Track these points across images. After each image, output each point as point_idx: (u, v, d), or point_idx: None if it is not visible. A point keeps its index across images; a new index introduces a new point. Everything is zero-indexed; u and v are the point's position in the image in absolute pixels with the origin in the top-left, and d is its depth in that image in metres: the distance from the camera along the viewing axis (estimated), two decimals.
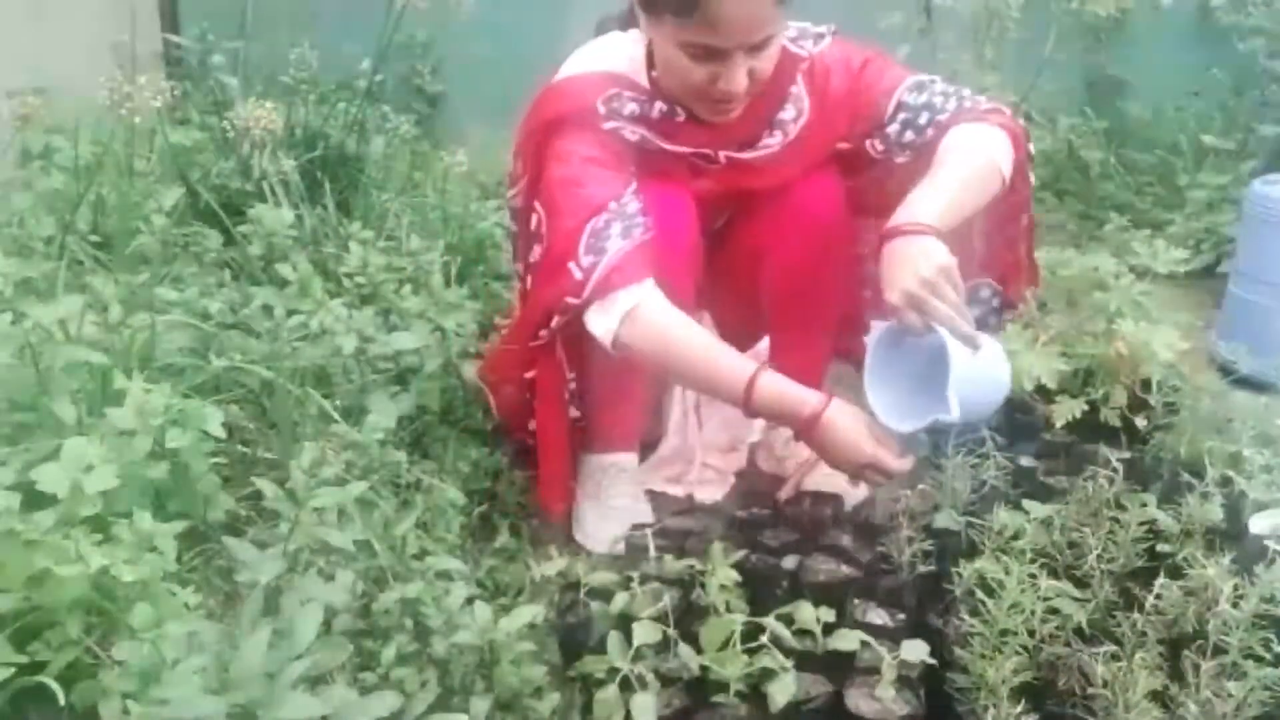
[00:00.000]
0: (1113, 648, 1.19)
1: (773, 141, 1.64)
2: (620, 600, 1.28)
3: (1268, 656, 1.15)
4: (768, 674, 1.19)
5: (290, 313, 1.75)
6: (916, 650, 1.23)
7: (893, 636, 1.26)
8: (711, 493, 1.82)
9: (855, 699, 1.21)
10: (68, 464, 1.20)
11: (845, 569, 1.40)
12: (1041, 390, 1.75)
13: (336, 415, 1.58)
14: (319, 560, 1.21)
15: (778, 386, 1.44)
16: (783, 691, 1.17)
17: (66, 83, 2.27)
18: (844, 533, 1.49)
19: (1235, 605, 1.18)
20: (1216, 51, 3.14)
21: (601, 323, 1.48)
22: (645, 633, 1.22)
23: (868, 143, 1.67)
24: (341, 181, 2.47)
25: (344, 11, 3.17)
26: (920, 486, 1.48)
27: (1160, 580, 1.26)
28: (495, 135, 2.00)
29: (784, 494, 1.69)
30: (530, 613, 1.20)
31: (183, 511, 1.36)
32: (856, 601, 1.35)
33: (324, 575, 1.17)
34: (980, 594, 1.22)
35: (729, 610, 1.25)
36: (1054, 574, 1.28)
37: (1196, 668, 1.15)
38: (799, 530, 1.53)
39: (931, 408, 1.38)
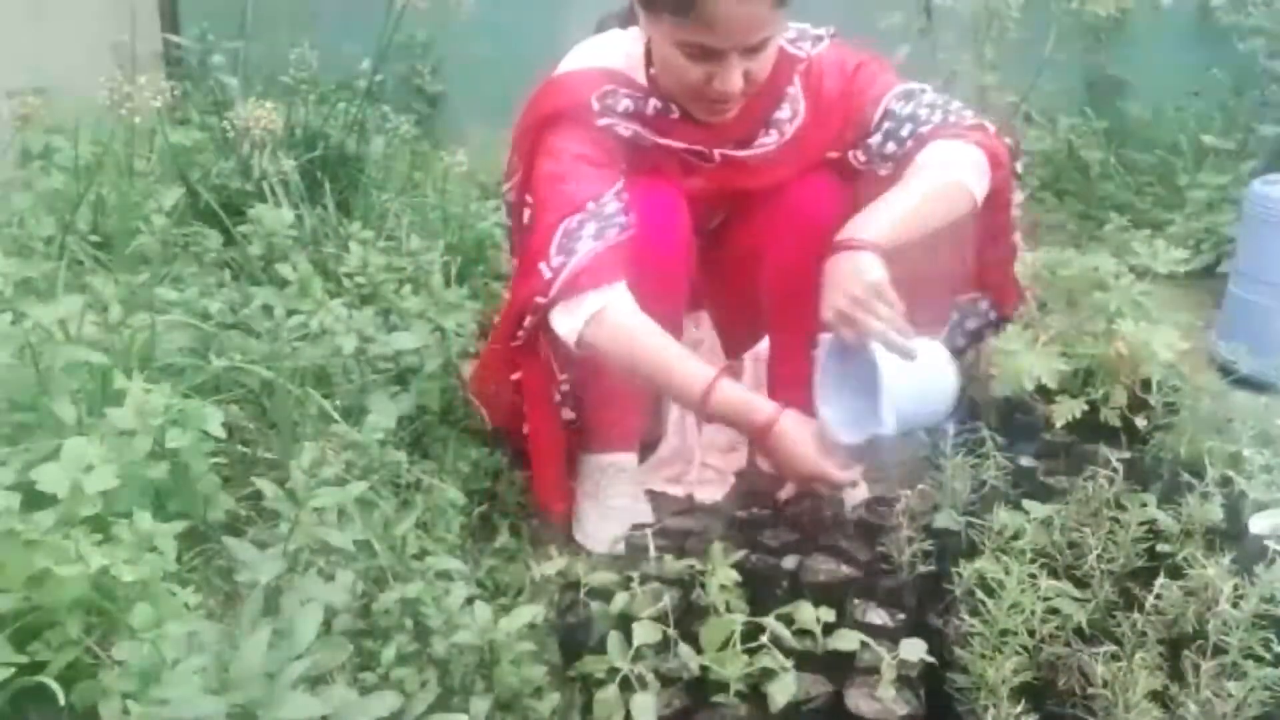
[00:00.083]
0: (1113, 648, 1.19)
1: (768, 141, 1.64)
2: (620, 600, 1.28)
3: (1268, 656, 1.15)
4: (768, 674, 1.19)
5: (290, 313, 1.75)
6: (916, 650, 1.23)
7: (893, 636, 1.26)
8: (711, 493, 1.82)
9: (855, 699, 1.21)
10: (68, 464, 1.20)
11: (845, 569, 1.40)
12: (1041, 390, 1.75)
13: (336, 415, 1.58)
14: (319, 560, 1.21)
15: (735, 394, 1.46)
16: (783, 691, 1.17)
17: (66, 83, 2.27)
18: (844, 533, 1.49)
19: (1235, 605, 1.18)
20: (1216, 51, 3.14)
21: (566, 323, 1.49)
22: (645, 633, 1.22)
23: (851, 154, 1.66)
24: (341, 181, 2.47)
25: (344, 11, 3.17)
26: (920, 486, 1.48)
27: (1160, 580, 1.26)
28: (495, 135, 2.00)
29: (784, 494, 1.69)
30: (530, 613, 1.20)
31: (183, 511, 1.36)
32: (856, 601, 1.35)
33: (324, 575, 1.17)
34: (980, 594, 1.22)
35: (729, 610, 1.25)
36: (1054, 574, 1.28)
37: (1196, 668, 1.15)
38: (799, 530, 1.53)
39: (865, 423, 1.41)
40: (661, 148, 1.61)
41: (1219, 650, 1.17)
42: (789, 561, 1.42)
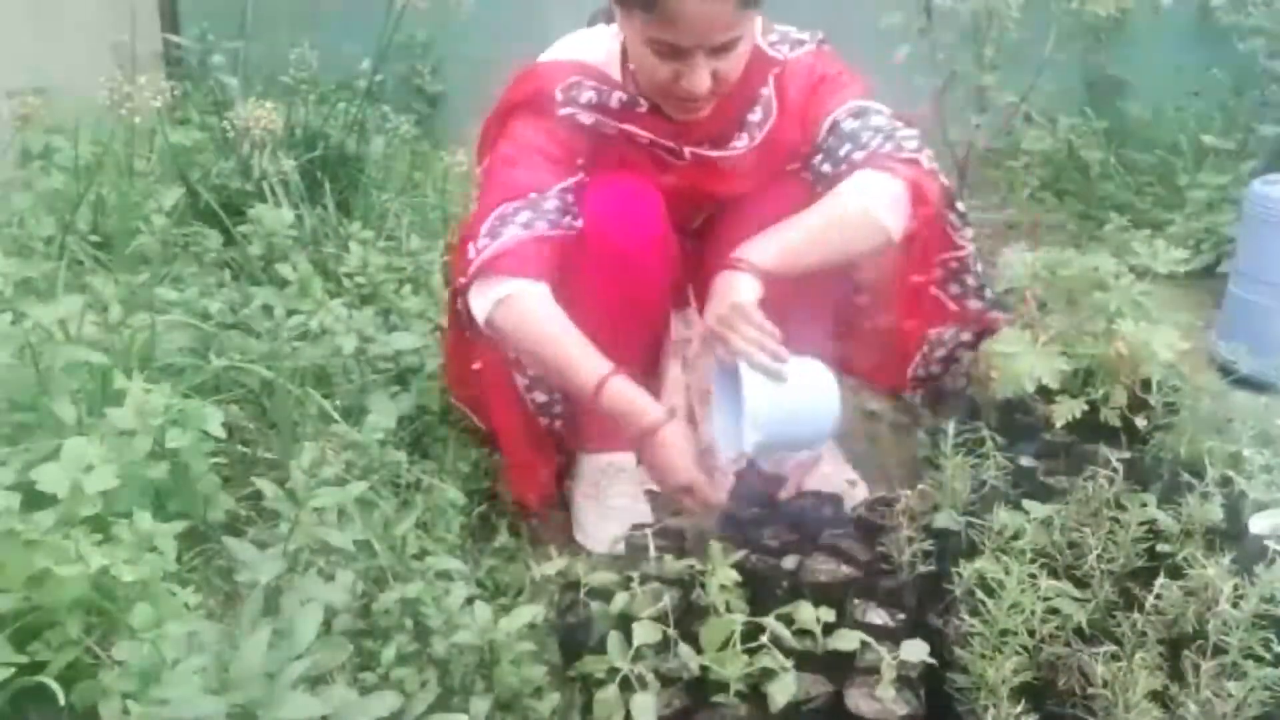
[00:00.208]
0: (1113, 648, 1.19)
1: (739, 145, 1.63)
2: (620, 600, 1.28)
3: (1268, 656, 1.15)
4: (768, 674, 1.19)
5: (290, 313, 1.75)
6: (916, 650, 1.23)
7: (893, 636, 1.26)
8: None
9: (855, 699, 1.21)
10: (68, 464, 1.20)
11: (845, 569, 1.40)
12: (1041, 390, 1.75)
13: (336, 415, 1.58)
14: (319, 560, 1.21)
15: (626, 393, 1.45)
16: (783, 691, 1.17)
17: (66, 83, 2.27)
18: (844, 533, 1.49)
19: (1235, 605, 1.18)
20: (1216, 51, 3.14)
21: (479, 303, 1.51)
22: (645, 633, 1.22)
23: (794, 166, 1.64)
24: (341, 181, 2.47)
25: (344, 11, 3.17)
26: (920, 486, 1.48)
27: (1160, 580, 1.26)
28: None
29: (784, 494, 1.69)
30: (530, 613, 1.20)
31: (183, 511, 1.36)
32: (856, 601, 1.35)
33: (324, 575, 1.17)
34: (980, 594, 1.22)
35: (729, 610, 1.25)
36: (1054, 574, 1.27)
37: (1196, 668, 1.15)
38: (799, 530, 1.53)
39: (734, 439, 1.41)
40: (632, 144, 1.61)
41: (1219, 650, 1.17)
42: (789, 561, 1.42)
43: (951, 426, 1.49)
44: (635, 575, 1.32)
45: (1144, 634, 1.21)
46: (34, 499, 1.16)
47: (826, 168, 1.60)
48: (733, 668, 1.18)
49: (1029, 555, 1.26)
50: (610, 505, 1.71)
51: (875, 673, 1.22)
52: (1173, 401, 1.68)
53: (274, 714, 0.93)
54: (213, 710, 0.92)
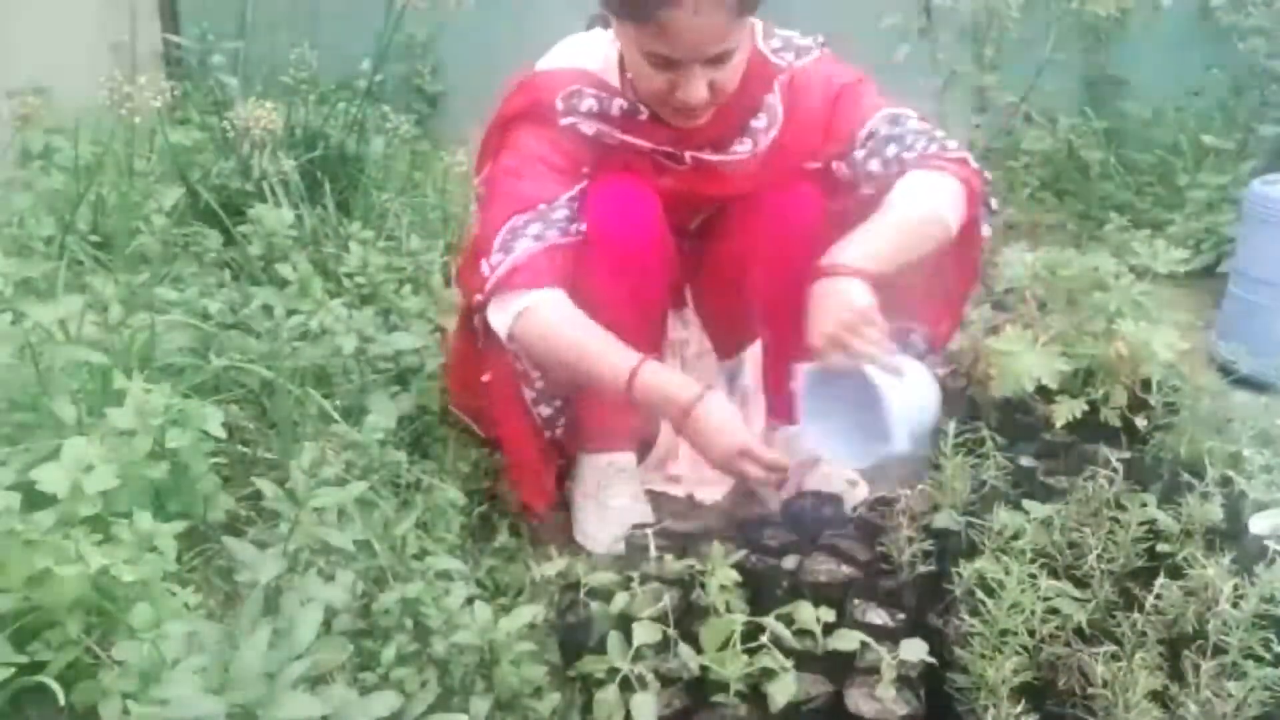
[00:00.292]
0: (1113, 648, 1.19)
1: (742, 149, 1.63)
2: (620, 600, 1.28)
3: (1268, 656, 1.15)
4: (768, 674, 1.19)
5: (290, 313, 1.75)
6: (916, 650, 1.23)
7: (893, 636, 1.26)
8: (711, 493, 1.82)
9: (855, 699, 1.21)
10: (68, 464, 1.20)
11: (845, 569, 1.40)
12: (1041, 390, 1.75)
13: (336, 415, 1.58)
14: (319, 560, 1.21)
15: (659, 376, 1.47)
16: (783, 691, 1.17)
17: (66, 83, 2.27)
18: (844, 533, 1.49)
19: (1235, 605, 1.18)
20: (1216, 51, 3.14)
21: (499, 319, 1.53)
22: (645, 633, 1.22)
23: (835, 164, 1.66)
24: (341, 181, 2.47)
25: (344, 11, 3.17)
26: (920, 486, 1.48)
27: (1160, 580, 1.26)
28: None
29: (784, 494, 1.69)
30: (530, 613, 1.20)
31: (183, 511, 1.36)
32: (856, 601, 1.35)
33: (324, 575, 1.17)
34: (980, 594, 1.22)
35: (729, 610, 1.25)
36: (1054, 574, 1.27)
37: (1196, 668, 1.15)
38: (799, 530, 1.53)
39: (872, 445, 1.40)
40: (632, 147, 1.61)
41: (1219, 650, 1.17)
42: (789, 561, 1.42)
43: (952, 426, 1.49)
44: (635, 575, 1.32)
45: (1144, 634, 1.21)
46: (34, 499, 1.16)
47: (874, 165, 1.60)
48: (733, 668, 1.18)
49: (1029, 555, 1.26)
50: (610, 505, 1.71)
51: (875, 673, 1.22)
52: (1173, 401, 1.68)
53: (274, 714, 0.93)
54: (213, 710, 0.92)
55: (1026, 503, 1.42)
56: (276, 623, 1.02)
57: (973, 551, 1.33)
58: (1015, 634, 1.18)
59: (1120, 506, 1.37)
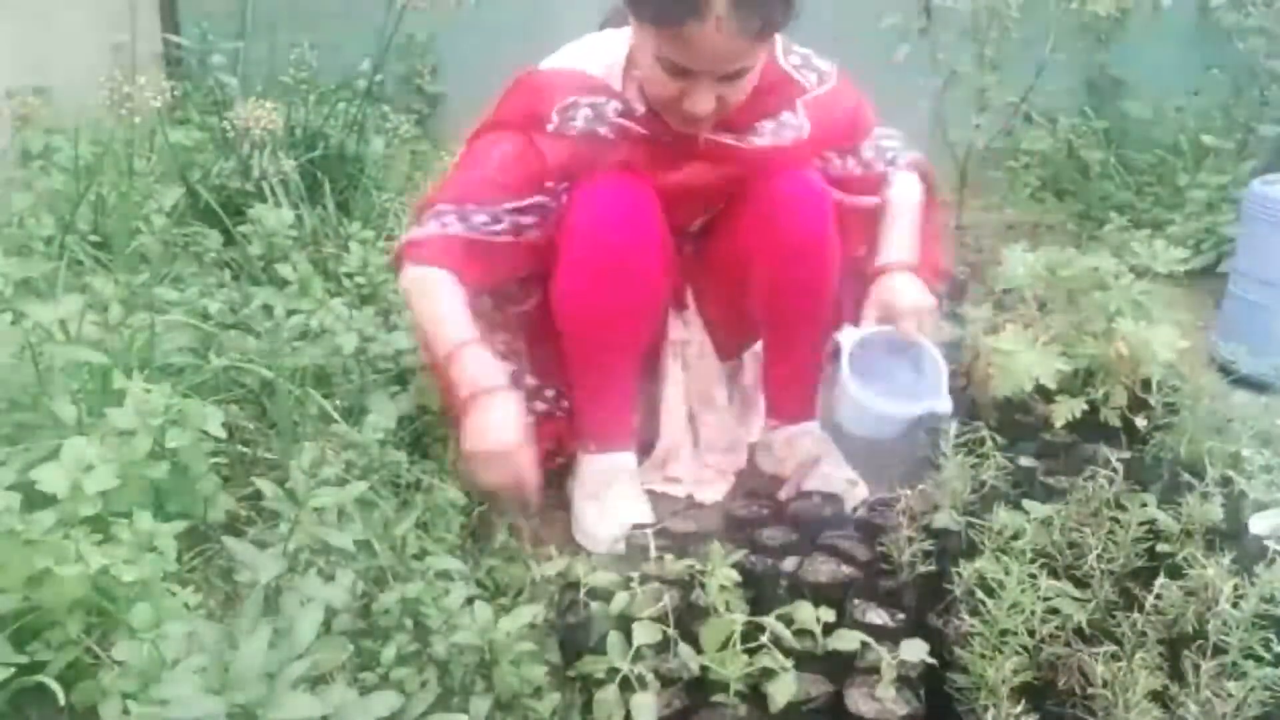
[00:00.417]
0: (1113, 648, 1.19)
1: (759, 140, 1.65)
2: (620, 600, 1.28)
3: (1268, 656, 1.15)
4: (768, 674, 1.19)
5: (290, 313, 1.75)
6: (916, 650, 1.23)
7: (893, 636, 1.26)
8: (711, 493, 1.82)
9: (855, 699, 1.21)
10: (68, 464, 1.20)
11: (845, 569, 1.40)
12: (1041, 390, 1.75)
13: (336, 415, 1.58)
14: (319, 560, 1.21)
15: (472, 358, 1.50)
16: (783, 691, 1.17)
17: (66, 83, 2.27)
18: (844, 533, 1.49)
19: (1235, 605, 1.18)
20: (1216, 51, 3.14)
21: (401, 280, 1.63)
22: (645, 633, 1.22)
23: (838, 161, 1.77)
24: (341, 181, 2.47)
25: (344, 11, 3.17)
26: (920, 486, 1.48)
27: (1160, 580, 1.26)
28: None
29: (784, 494, 1.69)
30: (530, 613, 1.20)
31: (183, 511, 1.36)
32: (856, 601, 1.35)
33: (324, 575, 1.17)
34: (980, 594, 1.22)
35: (729, 610, 1.25)
36: (1054, 574, 1.27)
37: (1196, 668, 1.15)
38: (799, 530, 1.53)
39: (925, 399, 1.61)
40: (632, 145, 1.61)
41: (1219, 650, 1.17)
42: (789, 562, 1.42)
43: (952, 426, 1.49)
44: (635, 575, 1.32)
45: (1144, 634, 1.21)
46: (34, 499, 1.16)
47: (856, 169, 1.78)
48: (733, 668, 1.18)
49: (1029, 555, 1.26)
50: (610, 505, 1.71)
51: (875, 673, 1.22)
52: (1173, 401, 1.68)
53: (274, 714, 0.93)
54: (213, 710, 0.92)
55: (1026, 503, 1.42)
56: (276, 623, 1.02)
57: (973, 551, 1.33)
58: (1015, 634, 1.18)
59: (1120, 506, 1.37)
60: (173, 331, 1.68)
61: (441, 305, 1.55)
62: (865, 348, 1.65)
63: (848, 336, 1.65)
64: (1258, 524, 1.41)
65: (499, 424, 1.46)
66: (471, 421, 1.47)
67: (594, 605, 1.30)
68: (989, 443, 1.49)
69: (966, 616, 1.23)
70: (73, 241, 1.99)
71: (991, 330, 1.89)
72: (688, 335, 1.84)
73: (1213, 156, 3.00)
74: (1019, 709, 1.12)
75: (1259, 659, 1.15)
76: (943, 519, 1.43)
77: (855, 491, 1.71)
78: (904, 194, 1.76)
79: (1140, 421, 1.71)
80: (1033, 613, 1.20)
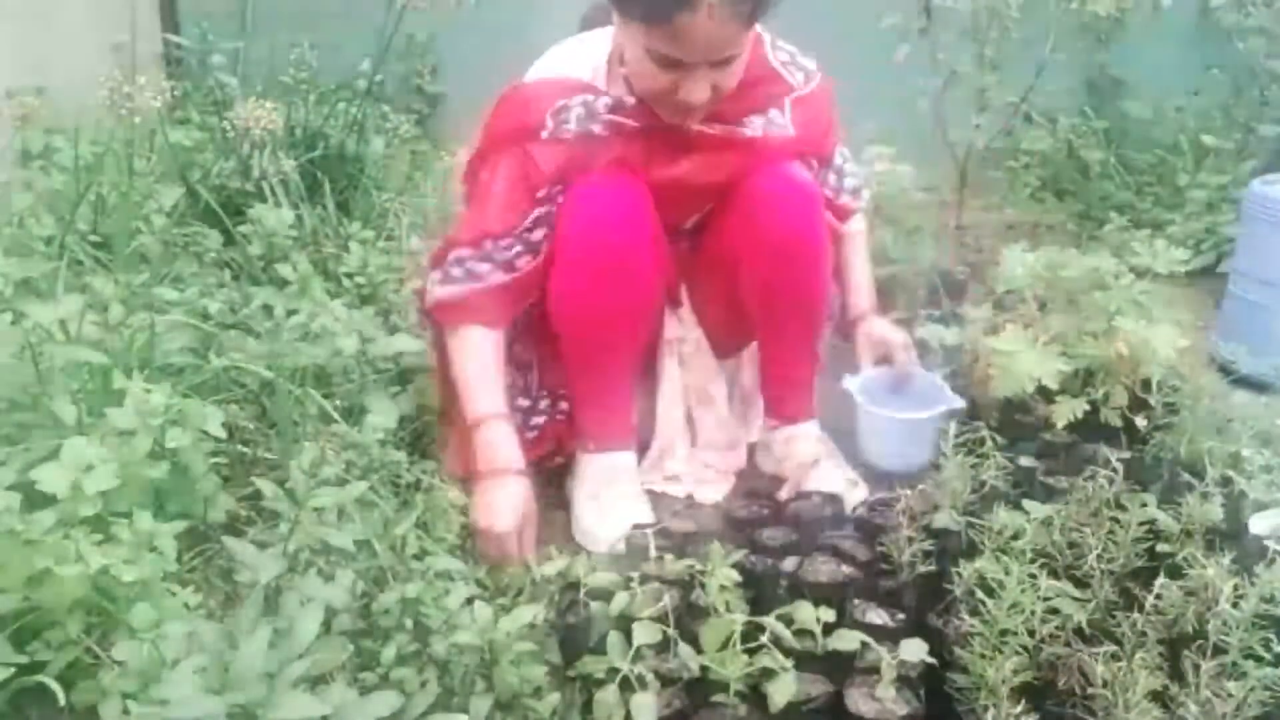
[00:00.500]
0: (1113, 648, 1.19)
1: (748, 131, 1.66)
2: (620, 600, 1.28)
3: (1268, 656, 1.15)
4: (768, 674, 1.19)
5: (290, 313, 1.75)
6: (916, 650, 1.23)
7: (893, 636, 1.26)
8: (711, 493, 1.82)
9: (855, 699, 1.21)
10: (68, 464, 1.20)
11: (845, 569, 1.40)
12: (1041, 390, 1.75)
13: (336, 415, 1.58)
14: (319, 560, 1.21)
15: (493, 436, 1.57)
16: (783, 691, 1.17)
17: (66, 83, 2.27)
18: (844, 533, 1.49)
19: (1235, 605, 1.18)
20: (1216, 51, 3.14)
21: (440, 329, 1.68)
22: (645, 633, 1.22)
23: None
24: (341, 181, 2.47)
25: (344, 11, 3.17)
26: (920, 487, 1.48)
27: (1160, 580, 1.26)
28: None
29: (784, 494, 1.69)
30: (530, 613, 1.20)
31: (183, 511, 1.36)
32: (856, 601, 1.35)
33: (324, 575, 1.17)
34: (980, 594, 1.22)
35: (729, 610, 1.25)
36: (1054, 574, 1.27)
37: (1196, 668, 1.15)
38: (799, 530, 1.53)
39: (942, 404, 1.75)
40: (625, 141, 1.61)
41: (1219, 650, 1.17)
42: (789, 562, 1.42)
43: (952, 426, 1.49)
44: (635, 575, 1.32)
45: (1144, 634, 1.22)
46: (34, 499, 1.16)
47: (828, 191, 1.82)
48: (733, 668, 1.18)
49: (1029, 555, 1.26)
50: (610, 505, 1.71)
51: (875, 673, 1.22)
52: (1173, 401, 1.68)
53: (274, 714, 0.93)
54: (213, 710, 0.92)
55: (1026, 503, 1.42)
56: (276, 623, 1.02)
57: (973, 551, 1.33)
58: (1015, 634, 1.18)
59: (1120, 506, 1.37)
60: (173, 331, 1.68)
61: (475, 367, 1.62)
62: (869, 388, 1.80)
63: (852, 382, 1.81)
64: (1258, 524, 1.41)
65: (502, 508, 1.51)
66: (480, 497, 1.54)
67: (594, 605, 1.30)
68: (989, 443, 1.49)
69: (966, 616, 1.23)
70: (73, 241, 1.98)
71: (992, 330, 1.89)
72: (683, 333, 1.84)
73: (1213, 156, 3.00)
74: (1019, 709, 1.12)
75: (1259, 659, 1.15)
76: (943, 519, 1.43)
77: (855, 491, 1.71)
78: (862, 233, 1.92)
79: (1140, 421, 1.71)
80: (1033, 613, 1.20)
